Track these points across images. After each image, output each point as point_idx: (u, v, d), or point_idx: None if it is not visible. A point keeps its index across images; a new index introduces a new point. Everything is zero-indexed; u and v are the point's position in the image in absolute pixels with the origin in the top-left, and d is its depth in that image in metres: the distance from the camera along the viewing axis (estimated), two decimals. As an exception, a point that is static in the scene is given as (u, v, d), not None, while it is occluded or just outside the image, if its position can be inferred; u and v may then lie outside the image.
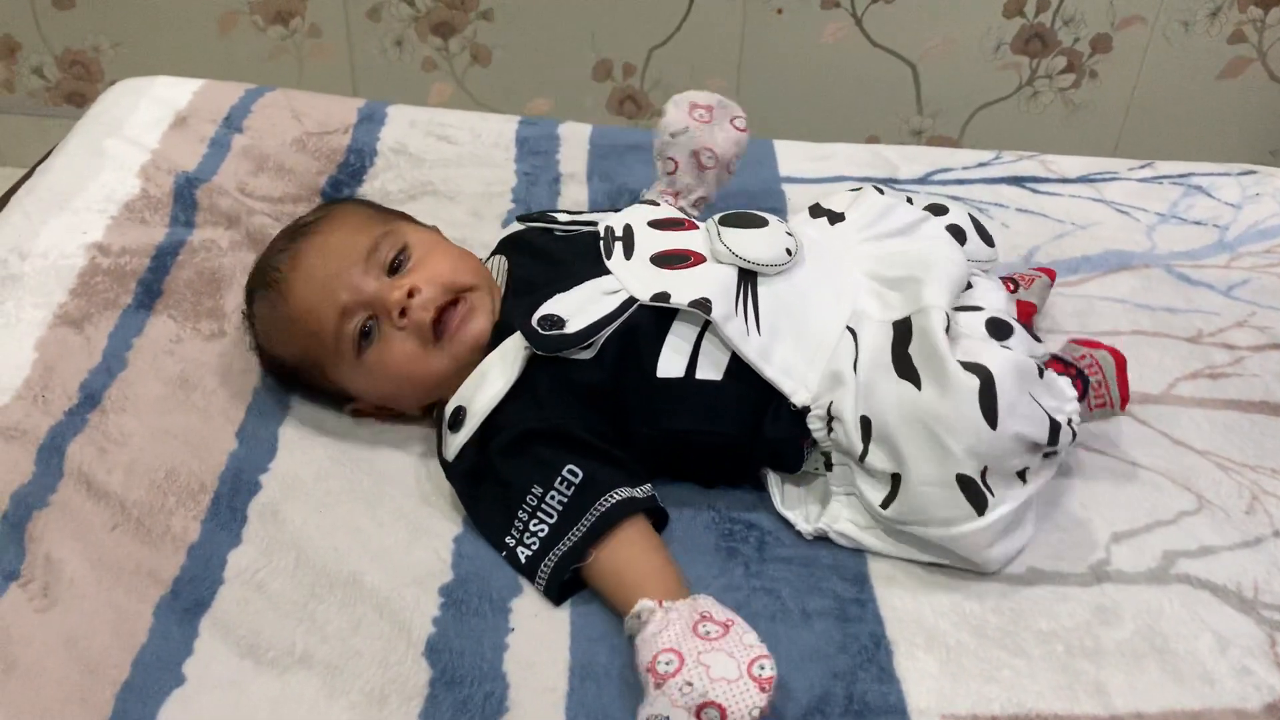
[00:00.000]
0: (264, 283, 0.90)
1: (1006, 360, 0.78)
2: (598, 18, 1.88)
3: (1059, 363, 0.89)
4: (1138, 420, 0.96)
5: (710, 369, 0.84)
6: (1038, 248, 1.16)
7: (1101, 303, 1.09)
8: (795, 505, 0.85)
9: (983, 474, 0.77)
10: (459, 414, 0.85)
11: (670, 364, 0.84)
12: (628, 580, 0.77)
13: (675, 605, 0.72)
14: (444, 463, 0.86)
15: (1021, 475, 0.79)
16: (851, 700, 0.73)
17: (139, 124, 1.18)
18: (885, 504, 0.79)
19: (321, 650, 0.74)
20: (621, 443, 0.84)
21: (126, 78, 1.30)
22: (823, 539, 0.84)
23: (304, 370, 0.90)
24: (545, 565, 0.79)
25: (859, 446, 0.80)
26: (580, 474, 0.80)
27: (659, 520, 0.84)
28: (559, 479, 0.80)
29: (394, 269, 0.88)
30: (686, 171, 1.03)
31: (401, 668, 0.73)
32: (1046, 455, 0.82)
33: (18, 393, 0.87)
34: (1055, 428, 0.79)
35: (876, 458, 0.79)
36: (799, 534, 0.84)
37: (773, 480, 0.86)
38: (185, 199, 1.09)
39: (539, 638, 0.76)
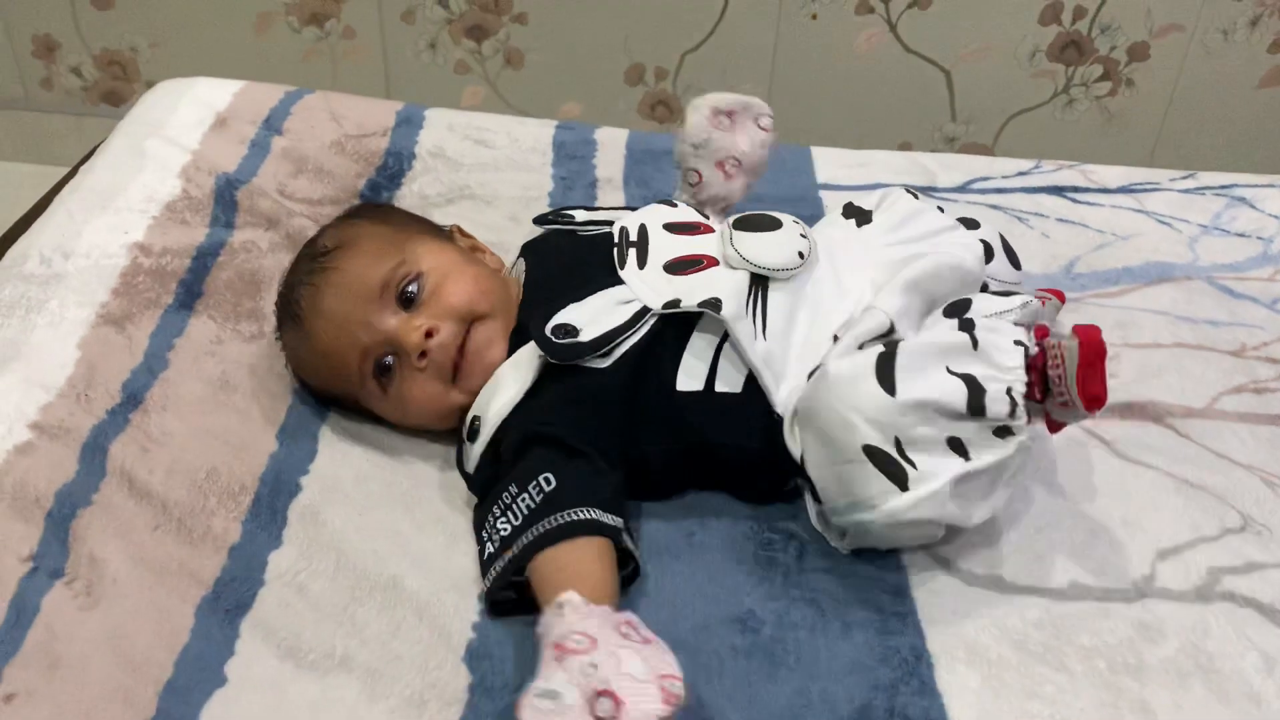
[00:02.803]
0: (289, 315, 0.90)
1: (919, 339, 0.77)
2: (631, 22, 1.88)
3: (1040, 351, 0.77)
4: (1180, 435, 0.95)
5: (729, 381, 0.84)
6: (1078, 258, 1.15)
7: (1142, 314, 1.08)
8: (827, 523, 0.84)
9: (897, 446, 0.74)
10: (475, 423, 0.85)
11: (689, 377, 0.84)
12: (561, 578, 0.72)
13: (604, 608, 0.69)
14: (465, 474, 0.86)
15: (957, 447, 0.74)
16: (892, 714, 0.73)
17: (180, 125, 1.19)
18: (817, 499, 0.80)
19: (361, 654, 0.74)
20: (644, 461, 0.83)
21: (163, 78, 1.31)
22: (860, 551, 0.83)
23: (333, 397, 0.92)
24: (494, 568, 0.77)
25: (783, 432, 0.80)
26: (553, 483, 0.77)
27: (631, 570, 0.79)
28: (533, 483, 0.78)
29: (409, 300, 0.87)
30: (711, 182, 1.02)
31: (441, 673, 0.73)
32: (999, 432, 0.74)
33: (61, 391, 0.88)
34: (978, 394, 0.73)
35: (792, 442, 0.80)
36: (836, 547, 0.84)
37: (808, 495, 0.86)
38: (226, 200, 1.10)
39: (578, 645, 0.76)
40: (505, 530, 0.77)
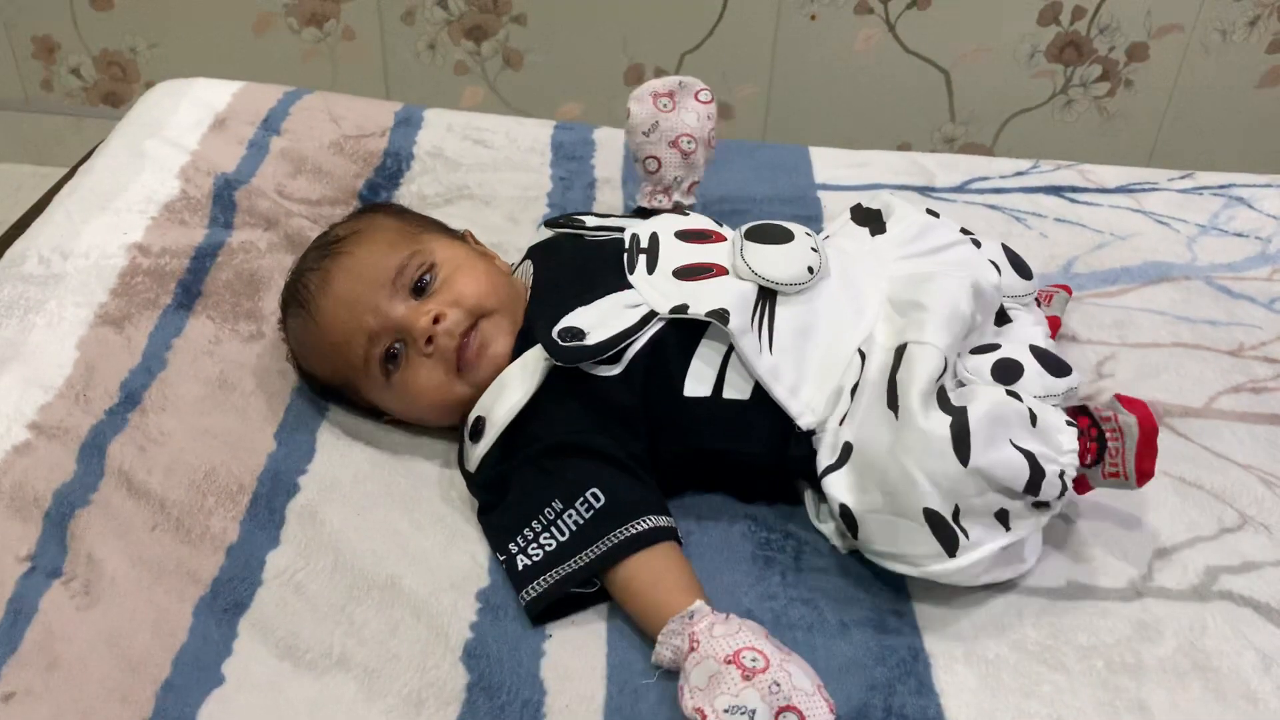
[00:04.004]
0: (296, 300, 0.90)
1: (989, 403, 0.76)
2: (630, 22, 1.88)
3: (1085, 416, 0.81)
4: (1178, 434, 0.95)
5: (737, 389, 0.84)
6: (1076, 258, 1.15)
7: (1140, 314, 1.08)
8: (829, 519, 0.85)
9: (955, 513, 0.75)
10: (479, 424, 0.85)
11: (697, 383, 0.84)
12: (658, 585, 0.76)
13: (751, 622, 0.72)
14: (465, 473, 0.86)
15: (1003, 519, 0.76)
16: (890, 713, 0.73)
17: (179, 125, 1.19)
18: (853, 532, 0.78)
19: (359, 653, 0.74)
20: (651, 461, 0.83)
21: (162, 78, 1.32)
22: (858, 551, 0.83)
23: (334, 387, 0.91)
24: (542, 581, 0.77)
25: (822, 467, 0.79)
26: (603, 499, 0.78)
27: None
28: (580, 499, 0.79)
29: (420, 289, 0.88)
30: (671, 165, 1.02)
31: (439, 672, 0.74)
32: (1038, 506, 0.78)
33: (60, 391, 0.88)
34: (1038, 476, 0.75)
35: (838, 485, 0.78)
36: (835, 546, 0.84)
37: (808, 493, 0.86)
38: (224, 200, 1.10)
39: (576, 645, 0.76)
40: (551, 545, 0.78)
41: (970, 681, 0.75)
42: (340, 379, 0.90)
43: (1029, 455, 0.76)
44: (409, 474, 0.88)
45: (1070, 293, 1.07)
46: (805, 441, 0.83)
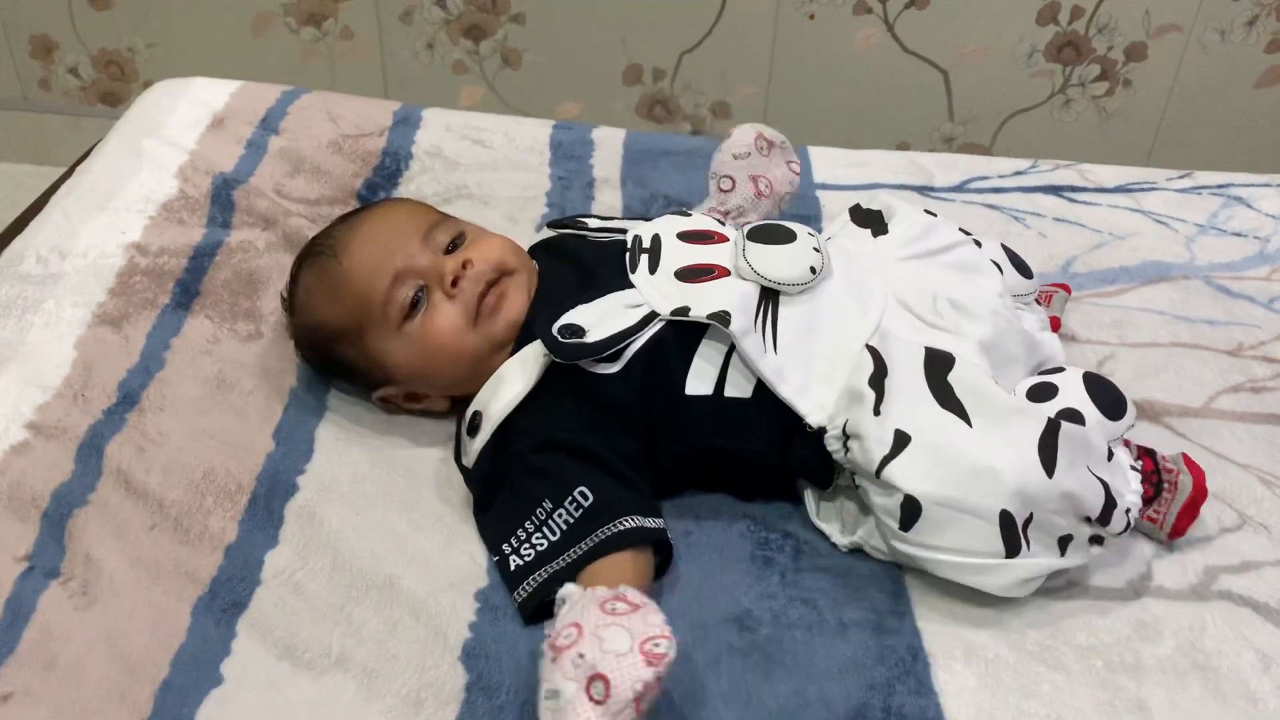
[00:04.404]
0: (318, 250, 0.92)
1: (1076, 428, 0.80)
2: (628, 21, 1.88)
3: (1150, 460, 0.86)
4: (1177, 434, 0.95)
5: (739, 387, 0.83)
6: (1075, 258, 1.15)
7: (1139, 314, 1.08)
8: (831, 518, 0.85)
9: (1026, 522, 0.76)
10: (476, 419, 0.85)
11: (698, 381, 0.84)
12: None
13: (595, 589, 0.70)
14: (462, 468, 0.86)
15: (1062, 544, 0.78)
16: (889, 713, 0.73)
17: (177, 125, 1.19)
18: (905, 526, 0.77)
19: (358, 653, 0.74)
20: (648, 461, 0.83)
21: (161, 78, 1.31)
22: (858, 550, 0.83)
23: (341, 338, 0.90)
24: (532, 580, 0.78)
25: (876, 459, 0.77)
26: (591, 498, 0.79)
27: (665, 555, 0.81)
28: (569, 499, 0.79)
29: (449, 251, 0.91)
30: (741, 193, 1.04)
31: (438, 672, 0.73)
32: (1093, 540, 0.80)
33: (58, 391, 0.88)
34: (1110, 505, 0.78)
35: (904, 473, 0.76)
36: (835, 545, 0.84)
37: (808, 492, 0.86)
38: (222, 200, 1.10)
39: (575, 644, 0.76)
40: (542, 545, 0.79)
41: (969, 681, 0.75)
42: (350, 325, 0.89)
43: (1105, 484, 0.78)
44: (407, 474, 0.88)
45: (1069, 292, 1.07)
46: (811, 441, 0.82)
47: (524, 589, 0.78)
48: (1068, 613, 0.80)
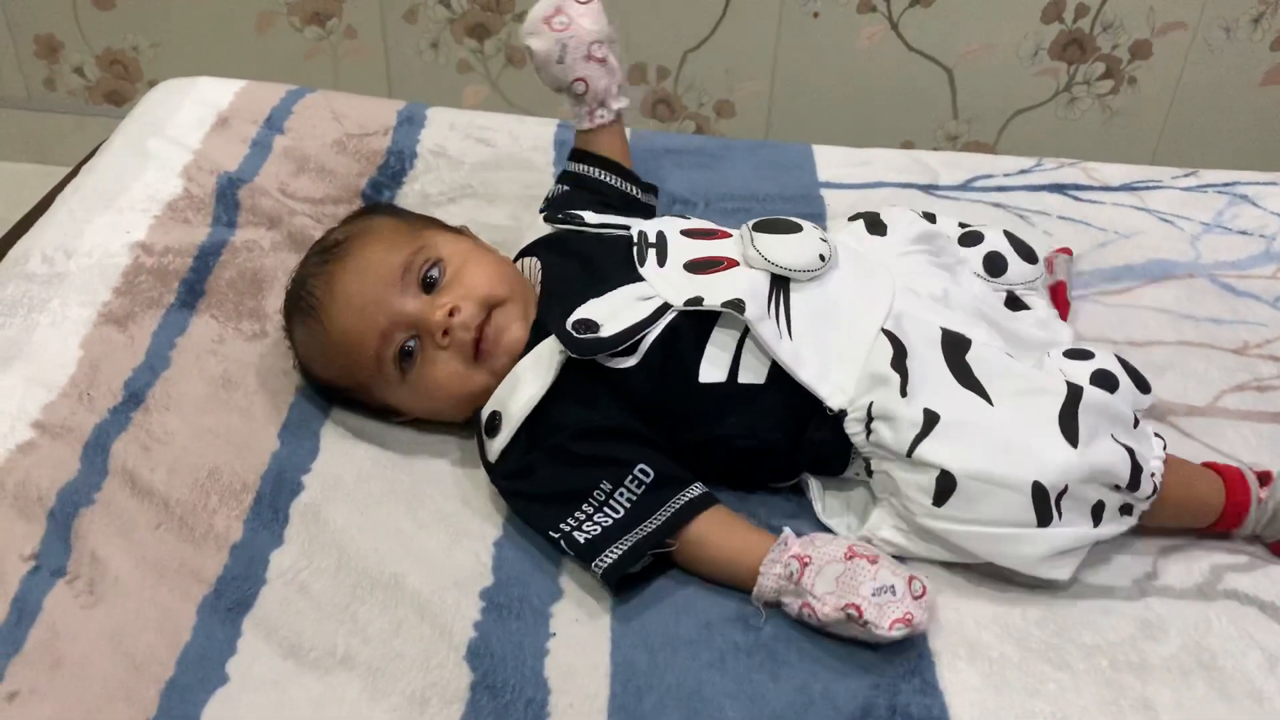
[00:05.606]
0: (301, 308, 0.89)
1: (1097, 391, 0.82)
2: (632, 20, 1.88)
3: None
4: (1183, 433, 0.95)
5: (752, 374, 0.84)
6: (1080, 256, 1.14)
7: (1145, 312, 1.08)
8: (837, 514, 0.85)
9: (1060, 494, 0.77)
10: (494, 419, 0.85)
11: (712, 369, 0.84)
12: (739, 530, 0.80)
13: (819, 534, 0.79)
14: (487, 465, 0.86)
15: (1096, 514, 0.79)
16: (894, 712, 0.73)
17: (182, 124, 1.19)
18: (938, 501, 0.78)
19: (363, 652, 0.74)
20: (668, 449, 0.84)
21: (165, 77, 1.31)
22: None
23: (349, 391, 0.91)
24: (615, 549, 0.78)
25: (908, 440, 0.78)
26: (652, 474, 0.80)
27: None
28: (629, 477, 0.80)
29: (430, 284, 0.88)
30: (596, 77, 1.04)
31: (443, 671, 0.74)
32: (1123, 510, 0.81)
33: (63, 390, 0.88)
34: (1137, 470, 0.79)
35: (934, 449, 0.78)
36: (841, 542, 0.84)
37: (814, 489, 0.86)
38: (227, 199, 1.10)
39: (580, 644, 0.76)
40: (607, 521, 0.79)
41: (974, 680, 0.75)
42: (352, 382, 0.89)
43: (1130, 450, 0.80)
44: (412, 473, 0.88)
45: (1070, 254, 1.08)
46: (827, 425, 0.83)
47: (605, 558, 0.78)
48: (1073, 612, 0.80)
